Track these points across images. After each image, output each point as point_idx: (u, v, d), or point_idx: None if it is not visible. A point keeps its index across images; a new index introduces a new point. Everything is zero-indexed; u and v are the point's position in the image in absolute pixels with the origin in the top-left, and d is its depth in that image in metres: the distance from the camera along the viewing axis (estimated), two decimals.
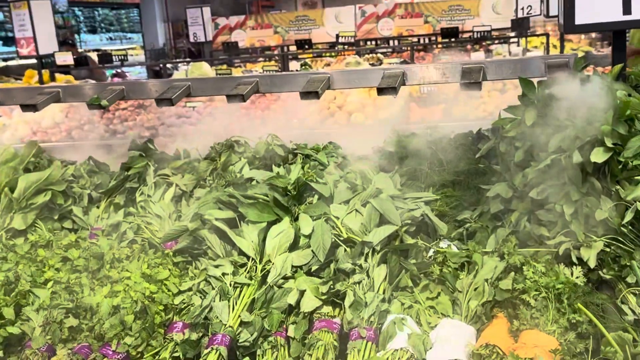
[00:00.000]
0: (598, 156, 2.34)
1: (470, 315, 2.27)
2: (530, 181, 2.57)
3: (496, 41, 15.37)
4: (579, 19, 2.69)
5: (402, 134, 3.58)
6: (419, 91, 8.54)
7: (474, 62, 2.90)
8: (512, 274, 2.33)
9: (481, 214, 2.82)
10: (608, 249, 2.38)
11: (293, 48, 16.05)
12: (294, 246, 2.55)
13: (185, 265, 2.72)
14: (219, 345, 2.23)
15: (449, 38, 14.69)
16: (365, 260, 2.44)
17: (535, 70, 2.88)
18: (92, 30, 22.86)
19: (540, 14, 13.19)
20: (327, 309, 2.34)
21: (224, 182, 2.93)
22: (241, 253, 2.55)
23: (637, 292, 2.28)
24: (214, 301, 2.38)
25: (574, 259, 2.39)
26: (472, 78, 2.77)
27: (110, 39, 23.51)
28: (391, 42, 17.78)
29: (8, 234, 3.17)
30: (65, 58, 12.65)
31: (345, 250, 2.50)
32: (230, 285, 2.43)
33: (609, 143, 2.36)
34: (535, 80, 2.67)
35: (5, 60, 17.31)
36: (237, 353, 2.30)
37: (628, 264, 2.32)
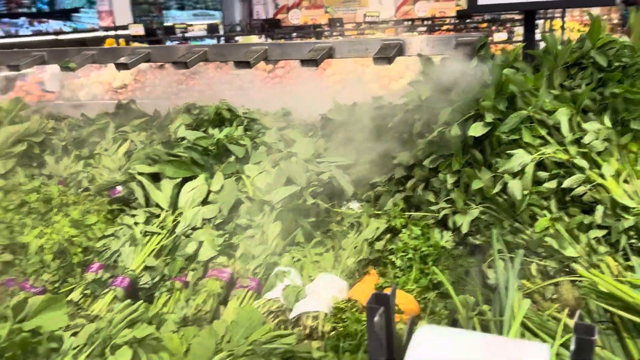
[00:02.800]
0: (476, 130, 2.19)
1: (347, 271, 2.18)
2: (424, 151, 2.44)
3: (517, 23, 14.79)
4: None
5: (344, 103, 3.44)
6: None
7: (394, 39, 2.74)
8: (388, 235, 2.22)
9: (390, 179, 2.69)
10: (483, 217, 2.24)
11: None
12: (206, 201, 2.47)
13: (119, 212, 2.67)
14: (117, 286, 2.19)
15: (462, 19, 14.47)
16: (263, 217, 2.35)
17: (449, 48, 2.70)
18: (181, 7, 23.63)
19: None
20: (222, 259, 2.27)
21: (160, 140, 2.86)
22: (158, 205, 2.48)
23: (505, 258, 2.15)
24: (124, 247, 2.33)
25: (450, 225, 2.26)
26: (385, 54, 2.61)
27: (195, 15, 24.06)
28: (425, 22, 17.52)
29: None
30: (137, 29, 13.00)
31: (248, 206, 2.41)
32: (141, 233, 2.37)
33: (489, 118, 2.20)
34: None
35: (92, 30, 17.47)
36: (140, 294, 2.26)
37: (500, 231, 2.19)
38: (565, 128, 2.17)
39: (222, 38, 16.30)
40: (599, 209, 2.11)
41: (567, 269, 2.09)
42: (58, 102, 7.76)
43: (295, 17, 19.10)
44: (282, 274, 2.15)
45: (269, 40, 14.59)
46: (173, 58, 3.06)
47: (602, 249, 2.06)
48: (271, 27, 16.80)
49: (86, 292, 2.27)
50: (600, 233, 2.10)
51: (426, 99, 2.37)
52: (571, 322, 1.77)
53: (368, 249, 2.20)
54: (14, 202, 2.75)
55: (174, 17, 22.12)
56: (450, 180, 2.29)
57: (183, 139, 2.80)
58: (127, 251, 2.31)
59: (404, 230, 2.22)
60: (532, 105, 2.20)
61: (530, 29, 2.65)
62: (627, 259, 2.06)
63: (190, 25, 18.82)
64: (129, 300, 2.07)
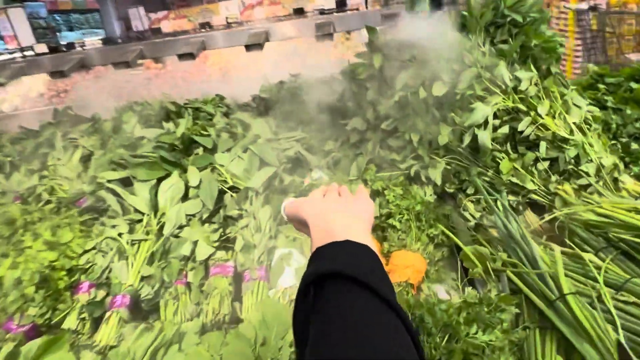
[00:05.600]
0: (438, 89, 1.63)
1: None
2: (381, 115, 1.84)
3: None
4: None
5: (272, 82, 2.71)
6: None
7: (324, 18, 2.08)
8: (378, 200, 1.63)
9: (342, 144, 2.08)
10: (448, 167, 1.72)
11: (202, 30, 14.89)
12: (185, 197, 1.70)
13: (93, 222, 1.81)
14: (118, 307, 1.40)
15: (298, 14, 13.75)
16: (251, 203, 1.65)
17: (374, 21, 2.09)
18: (70, 29, 21.05)
19: None
20: (220, 254, 1.56)
21: (118, 143, 1.98)
22: (137, 210, 1.67)
23: (473, 200, 1.66)
24: (113, 262, 1.53)
25: (423, 179, 1.73)
26: (324, 30, 1.94)
27: (83, 34, 21.65)
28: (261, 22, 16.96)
29: None
30: (42, 48, 10.87)
31: (231, 196, 1.68)
32: (128, 243, 1.57)
33: (446, 78, 1.65)
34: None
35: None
36: (143, 305, 1.49)
37: (467, 178, 1.68)
38: (507, 79, 1.68)
39: None
40: (543, 144, 1.67)
41: (528, 200, 1.66)
42: None
43: (166, 27, 18.27)
44: (287, 257, 1.49)
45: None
46: (111, 60, 2.12)
47: (554, 177, 1.64)
48: (153, 33, 15.22)
49: (82, 315, 1.47)
50: (546, 164, 1.67)
51: (379, 67, 1.75)
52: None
53: None
54: None
55: (66, 37, 19.53)
56: (415, 138, 1.73)
57: (142, 138, 1.95)
58: (118, 266, 1.51)
59: (386, 192, 1.64)
60: (474, 63, 1.67)
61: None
62: (566, 179, 1.67)
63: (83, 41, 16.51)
64: (142, 326, 1.31)
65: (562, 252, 1.29)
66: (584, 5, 7.97)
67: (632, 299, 1.09)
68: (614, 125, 2.21)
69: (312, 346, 0.56)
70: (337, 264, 0.63)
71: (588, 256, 1.24)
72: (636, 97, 2.43)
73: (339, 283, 0.60)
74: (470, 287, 1.26)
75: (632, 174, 1.75)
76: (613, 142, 2.01)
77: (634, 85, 2.58)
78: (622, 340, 0.97)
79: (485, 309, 1.11)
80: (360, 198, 0.85)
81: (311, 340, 0.57)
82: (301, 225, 0.84)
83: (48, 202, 2.03)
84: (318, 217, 0.77)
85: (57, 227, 1.75)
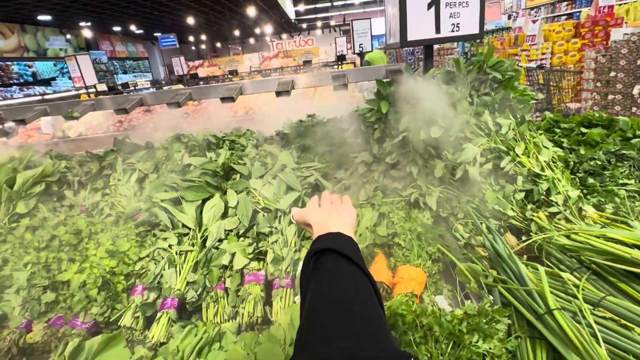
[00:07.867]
0: (435, 132, 1.60)
1: None
2: (386, 150, 1.81)
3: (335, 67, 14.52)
4: (410, 37, 1.88)
5: (294, 120, 2.69)
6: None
7: (339, 71, 2.07)
8: (385, 221, 1.58)
9: (352, 173, 2.03)
10: (442, 195, 1.68)
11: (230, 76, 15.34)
12: (224, 215, 1.65)
13: (146, 233, 1.75)
14: (168, 308, 1.34)
15: (306, 65, 13.95)
16: (279, 222, 1.60)
17: (381, 75, 2.08)
18: (125, 72, 22.19)
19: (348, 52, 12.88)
20: (253, 264, 1.50)
21: (169, 169, 1.94)
22: (184, 225, 1.62)
23: (462, 223, 1.61)
24: (164, 269, 1.47)
25: (421, 204, 1.68)
26: (341, 81, 1.93)
27: (135, 76, 22.53)
28: (278, 70, 17.30)
29: (14, 218, 2.02)
30: (102, 87, 11.10)
31: (263, 215, 1.63)
32: (176, 253, 1.51)
33: (441, 123, 1.62)
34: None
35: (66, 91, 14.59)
36: (187, 306, 1.42)
37: (457, 204, 1.64)
38: (491, 125, 1.65)
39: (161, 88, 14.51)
40: (520, 179, 1.64)
41: (508, 224, 1.61)
42: (54, 140, 6.03)
43: (201, 73, 19.02)
44: None
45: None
46: (165, 101, 2.09)
47: (529, 206, 1.60)
48: (191, 77, 15.58)
49: (136, 314, 1.40)
50: (522, 195, 1.63)
51: (386, 112, 1.72)
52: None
53: (371, 235, 1.55)
54: (43, 238, 1.72)
55: (122, 79, 19.85)
56: (414, 171, 1.70)
57: (189, 165, 1.91)
58: (168, 272, 1.44)
59: (391, 215, 1.59)
60: (464, 112, 1.65)
61: (429, 56, 2.08)
62: (539, 207, 1.63)
63: (136, 82, 16.88)
64: (189, 327, 1.24)
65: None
66: (533, 64, 8.09)
67: (609, 314, 1.04)
68: (571, 163, 2.18)
69: (311, 292, 0.70)
70: (330, 243, 0.79)
71: (566, 275, 1.19)
72: (587, 139, 2.41)
73: (331, 255, 0.76)
74: (469, 301, 1.20)
75: (591, 204, 1.71)
76: (572, 177, 1.98)
77: (583, 130, 2.57)
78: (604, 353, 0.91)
79: (484, 320, 1.05)
80: (346, 207, 1.00)
81: (310, 290, 0.71)
82: (306, 226, 1.00)
83: (109, 215, 1.98)
84: (320, 224, 0.93)
85: (116, 237, 1.69)
